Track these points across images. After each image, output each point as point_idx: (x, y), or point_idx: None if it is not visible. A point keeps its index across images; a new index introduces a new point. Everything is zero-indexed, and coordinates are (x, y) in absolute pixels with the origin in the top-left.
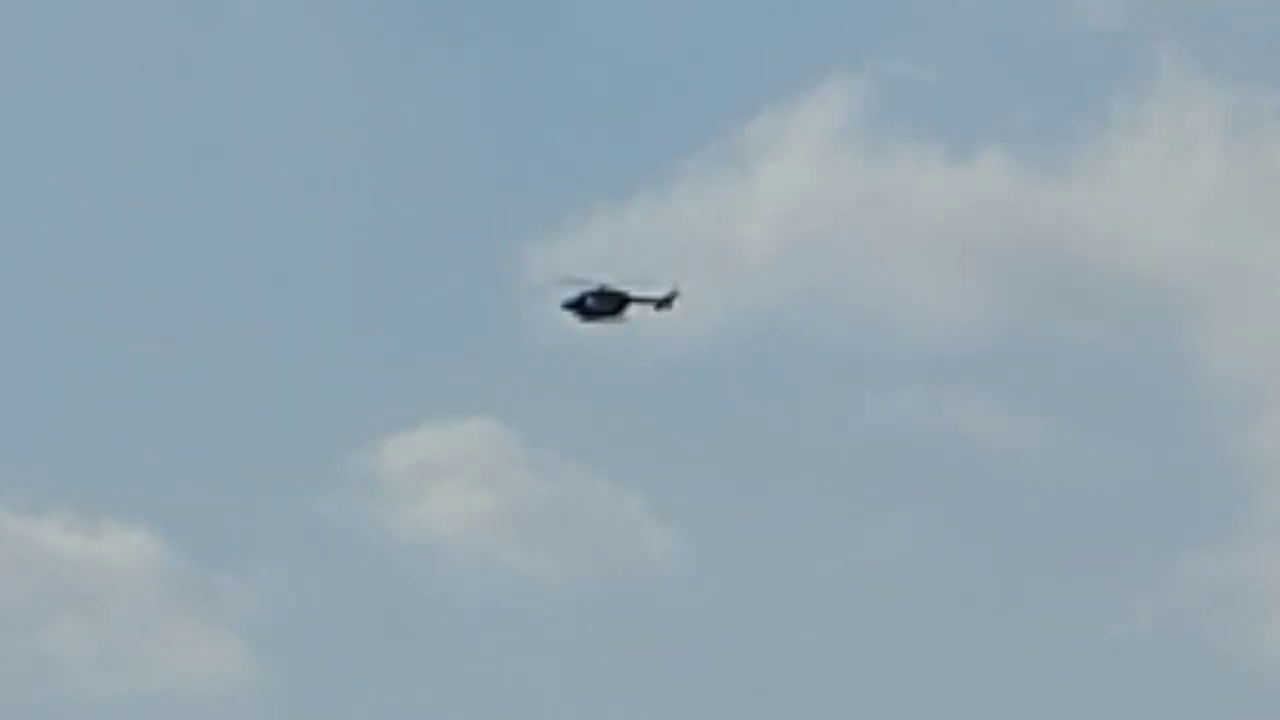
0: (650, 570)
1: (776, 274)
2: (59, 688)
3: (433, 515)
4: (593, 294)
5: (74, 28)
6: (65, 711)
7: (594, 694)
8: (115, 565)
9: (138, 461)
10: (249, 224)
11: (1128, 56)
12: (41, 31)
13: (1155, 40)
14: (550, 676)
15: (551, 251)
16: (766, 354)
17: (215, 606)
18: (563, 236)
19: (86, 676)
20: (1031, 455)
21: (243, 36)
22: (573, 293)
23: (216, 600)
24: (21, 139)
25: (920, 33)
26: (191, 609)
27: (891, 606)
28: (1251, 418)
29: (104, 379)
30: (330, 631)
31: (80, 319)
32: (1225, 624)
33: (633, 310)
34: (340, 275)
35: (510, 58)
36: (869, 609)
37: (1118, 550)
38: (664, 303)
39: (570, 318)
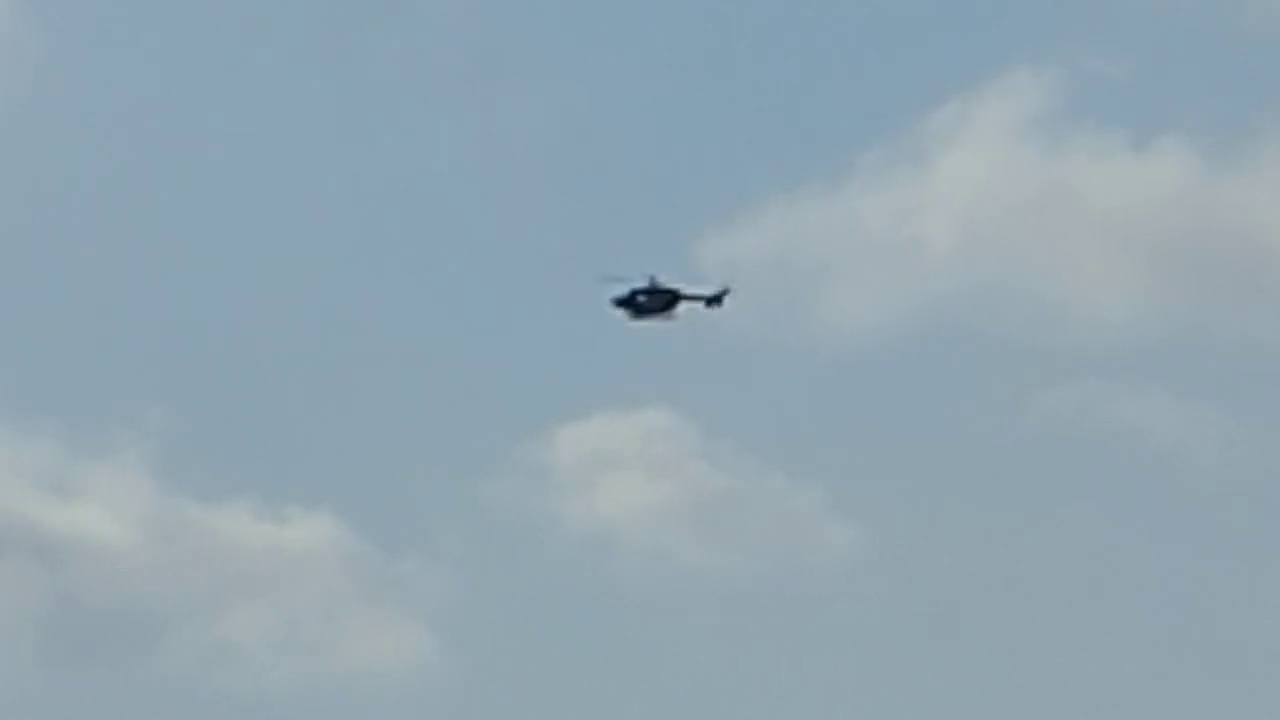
0: (827, 564)
1: (953, 268)
2: (243, 673)
3: (606, 506)
4: (643, 291)
5: (254, 19)
6: (250, 697)
7: (769, 686)
8: (299, 551)
9: (322, 450)
10: (430, 215)
11: None
12: (223, 25)
13: None
14: (725, 668)
15: (726, 241)
16: (942, 347)
17: (397, 592)
18: (737, 227)
19: (270, 662)
20: (1207, 450)
21: (428, 32)
22: (623, 290)
23: (398, 586)
24: (207, 138)
25: (1110, 26)
26: (374, 594)
27: (1067, 600)
28: None
29: (289, 369)
30: (506, 618)
31: (266, 312)
32: None
33: (682, 308)
34: (519, 266)
35: (688, 49)
36: (1045, 602)
37: None
38: (714, 300)
39: (621, 315)
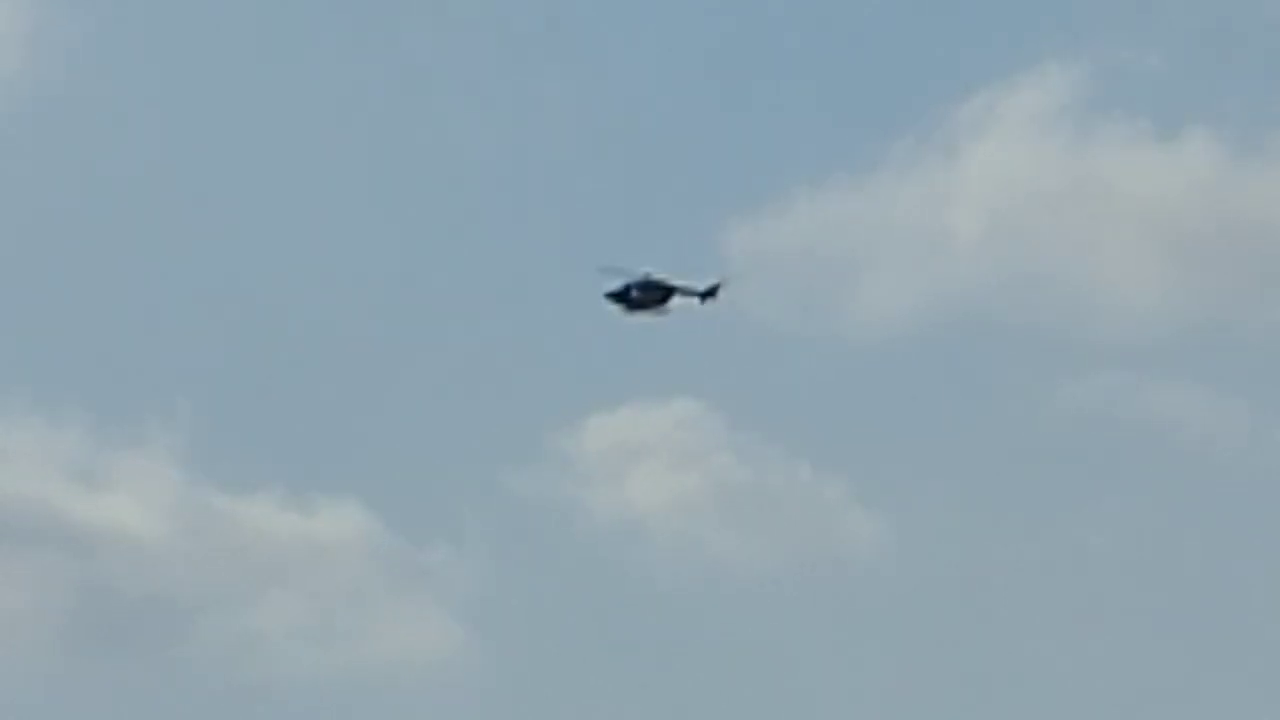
0: (852, 554)
1: (981, 258)
2: (271, 662)
3: (633, 496)
4: (637, 285)
5: (285, 7)
6: (278, 685)
7: (794, 675)
8: (326, 541)
9: (349, 440)
10: (458, 206)
11: None
12: (255, 14)
13: None
14: (749, 656)
15: (754, 232)
16: (969, 338)
17: (424, 582)
18: (766, 218)
19: (298, 651)
20: (1234, 439)
21: (459, 22)
22: (617, 283)
23: (425, 576)
24: (238, 129)
25: (1137, 18)
26: (401, 584)
27: (1093, 590)
28: None
29: (316, 360)
30: (533, 607)
31: (293, 303)
32: None
33: (676, 301)
34: (548, 256)
35: (717, 40)
36: (1071, 592)
37: None
38: (708, 294)
39: (614, 309)
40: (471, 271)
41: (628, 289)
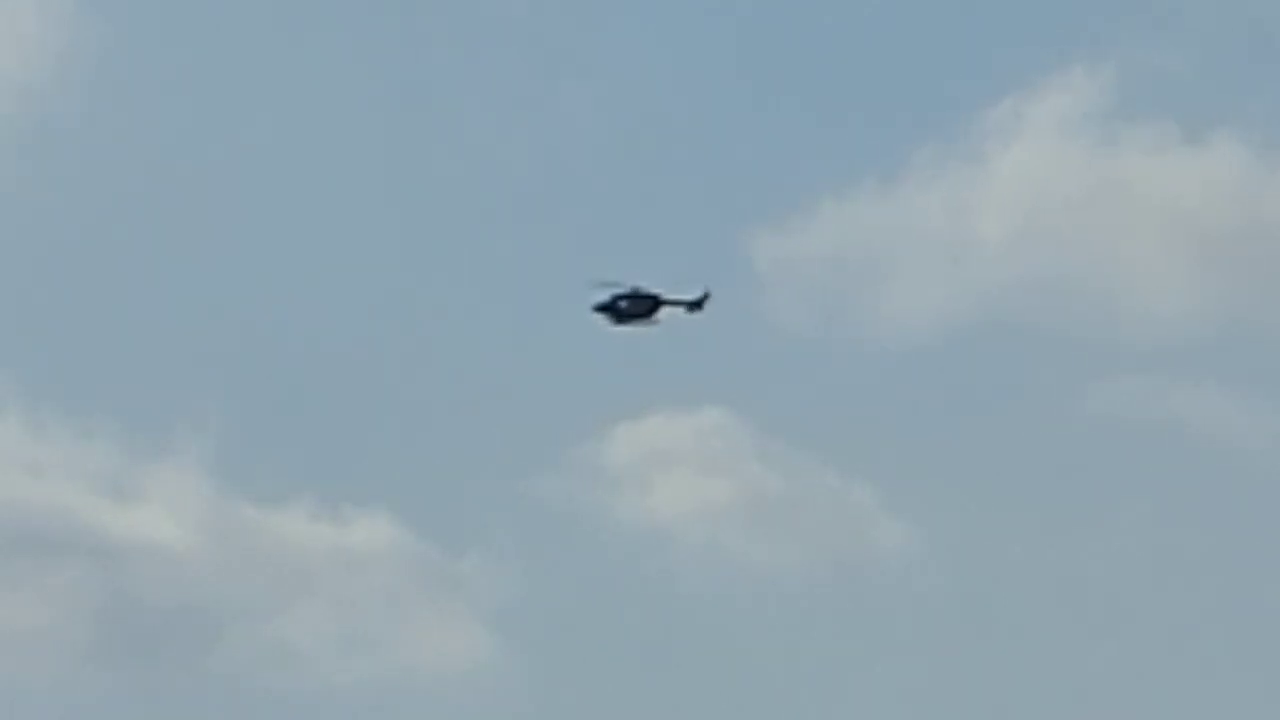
0: (880, 561)
1: (1008, 263)
2: (302, 673)
3: (662, 504)
4: (624, 296)
5: (306, 14)
6: (309, 696)
7: (822, 682)
8: (357, 551)
9: (379, 450)
10: (484, 214)
11: None
12: (276, 22)
13: None
14: (778, 664)
15: (781, 240)
16: (996, 343)
17: (454, 591)
18: (792, 226)
19: (328, 661)
20: (1262, 443)
21: (481, 29)
22: (604, 295)
23: (455, 585)
24: (263, 138)
25: (1163, 21)
26: (431, 593)
27: (1121, 594)
28: None
29: (345, 370)
30: (563, 616)
31: (322, 313)
32: None
33: (664, 313)
34: (574, 265)
35: (741, 48)
36: (1099, 597)
37: None
38: (695, 305)
39: (602, 320)
40: (498, 281)
41: (615, 300)
